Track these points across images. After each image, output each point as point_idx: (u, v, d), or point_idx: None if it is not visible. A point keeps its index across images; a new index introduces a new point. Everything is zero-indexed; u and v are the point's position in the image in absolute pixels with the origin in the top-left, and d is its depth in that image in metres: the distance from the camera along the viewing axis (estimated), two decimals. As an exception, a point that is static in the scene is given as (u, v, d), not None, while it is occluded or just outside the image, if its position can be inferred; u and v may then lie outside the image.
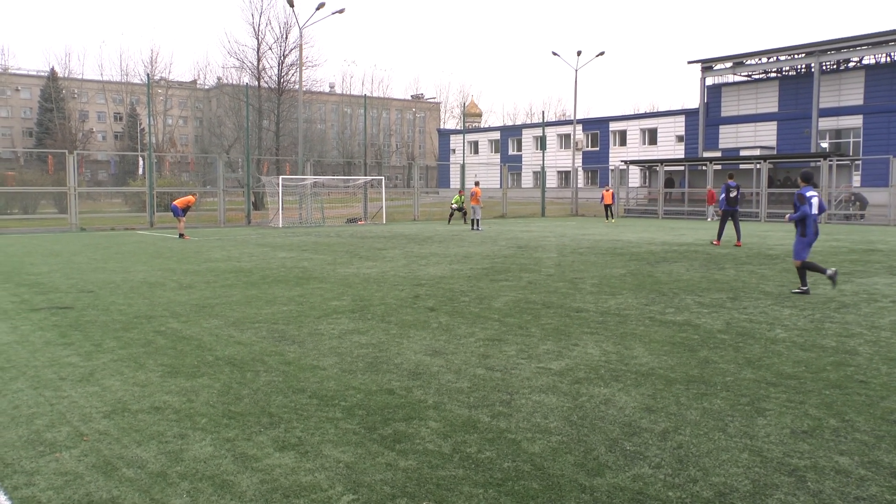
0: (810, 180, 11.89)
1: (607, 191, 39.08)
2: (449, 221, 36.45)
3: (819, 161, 38.15)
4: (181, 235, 25.07)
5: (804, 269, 11.77)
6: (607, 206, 38.52)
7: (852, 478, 4.48)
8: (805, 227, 11.63)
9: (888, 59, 52.19)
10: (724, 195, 21.80)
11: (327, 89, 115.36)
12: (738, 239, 21.44)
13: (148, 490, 4.26)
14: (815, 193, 11.81)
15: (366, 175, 42.69)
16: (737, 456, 4.81)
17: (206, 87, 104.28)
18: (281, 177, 33.86)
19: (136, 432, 5.24)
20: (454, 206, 37.06)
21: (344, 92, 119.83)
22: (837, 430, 5.31)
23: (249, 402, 5.94)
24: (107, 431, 5.27)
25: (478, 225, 30.39)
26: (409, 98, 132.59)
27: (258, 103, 46.83)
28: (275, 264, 16.28)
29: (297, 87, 45.08)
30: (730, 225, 21.80)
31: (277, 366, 7.12)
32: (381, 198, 37.58)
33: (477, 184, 32.88)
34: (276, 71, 48.80)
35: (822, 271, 11.61)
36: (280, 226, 32.29)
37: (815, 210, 11.62)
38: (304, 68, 43.04)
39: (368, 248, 20.57)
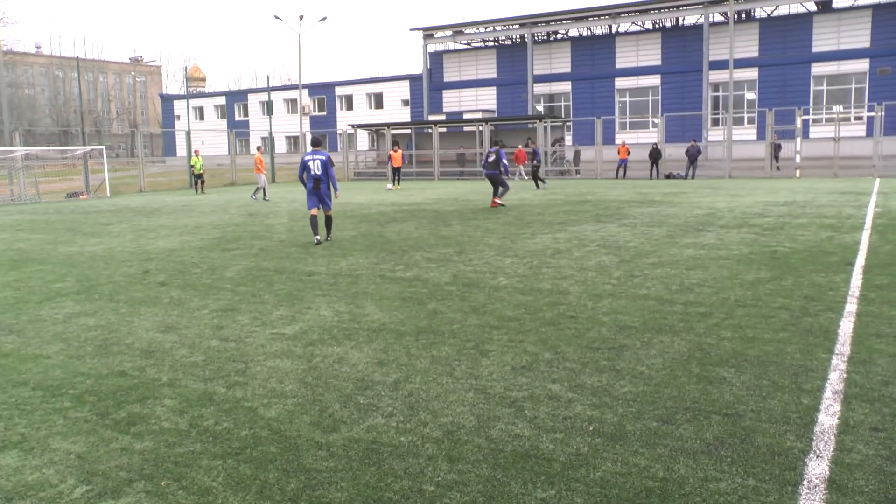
0: (318, 145, 13.93)
1: (395, 151, 34.78)
2: (197, 190, 33.08)
3: (536, 123, 41.00)
4: None
5: (313, 222, 13.78)
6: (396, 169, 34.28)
7: (562, 401, 4.94)
8: (306, 183, 13.75)
9: (589, 32, 57.16)
10: (485, 160, 22.06)
11: (34, 50, 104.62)
12: (497, 196, 21.02)
13: None
14: (317, 157, 13.65)
15: (85, 145, 39.35)
16: (463, 396, 5.09)
17: None
18: (-17, 149, 30.23)
19: None
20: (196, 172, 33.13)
21: (53, 53, 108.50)
22: (551, 362, 5.80)
23: (-52, 401, 5.30)
24: None
25: (265, 194, 26.94)
26: (129, 61, 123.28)
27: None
28: (-25, 248, 14.57)
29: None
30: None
31: (-14, 359, 6.41)
32: (103, 169, 34.86)
33: (259, 148, 28.75)
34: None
35: (314, 233, 13.71)
36: (-15, 205, 28.94)
37: (316, 171, 13.59)
38: (0, 25, 38.57)
39: (92, 224, 19.09)
